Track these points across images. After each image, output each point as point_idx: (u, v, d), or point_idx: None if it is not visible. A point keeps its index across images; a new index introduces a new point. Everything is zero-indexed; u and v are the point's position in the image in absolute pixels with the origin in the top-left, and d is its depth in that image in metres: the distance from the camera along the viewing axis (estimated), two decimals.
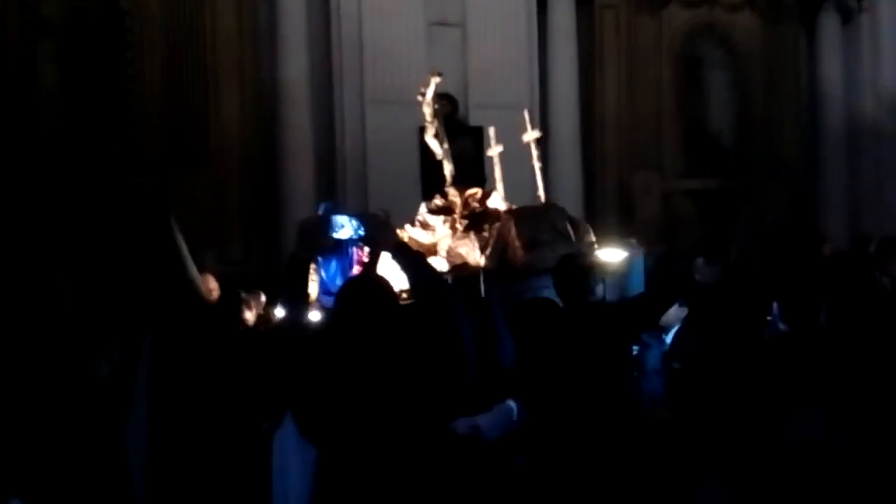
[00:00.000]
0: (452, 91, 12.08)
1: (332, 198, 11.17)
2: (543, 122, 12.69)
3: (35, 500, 3.95)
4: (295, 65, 11.61)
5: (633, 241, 8.05)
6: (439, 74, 8.73)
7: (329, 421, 2.89)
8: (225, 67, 11.64)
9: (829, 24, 14.22)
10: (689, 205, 13.71)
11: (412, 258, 3.29)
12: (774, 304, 4.15)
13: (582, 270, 3.89)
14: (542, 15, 12.68)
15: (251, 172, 11.81)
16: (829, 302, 3.27)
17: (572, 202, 12.67)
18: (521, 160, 12.25)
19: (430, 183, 9.64)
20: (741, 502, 3.40)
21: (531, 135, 9.18)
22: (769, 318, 4.11)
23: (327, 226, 7.75)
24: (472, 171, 10.83)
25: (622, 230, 12.96)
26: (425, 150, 10.97)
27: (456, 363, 2.98)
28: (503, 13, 12.23)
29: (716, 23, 13.98)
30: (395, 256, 3.32)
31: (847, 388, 2.97)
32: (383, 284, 3.14)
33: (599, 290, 3.89)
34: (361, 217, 7.75)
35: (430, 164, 10.31)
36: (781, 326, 4.06)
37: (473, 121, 11.93)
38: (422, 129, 11.75)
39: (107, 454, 4.05)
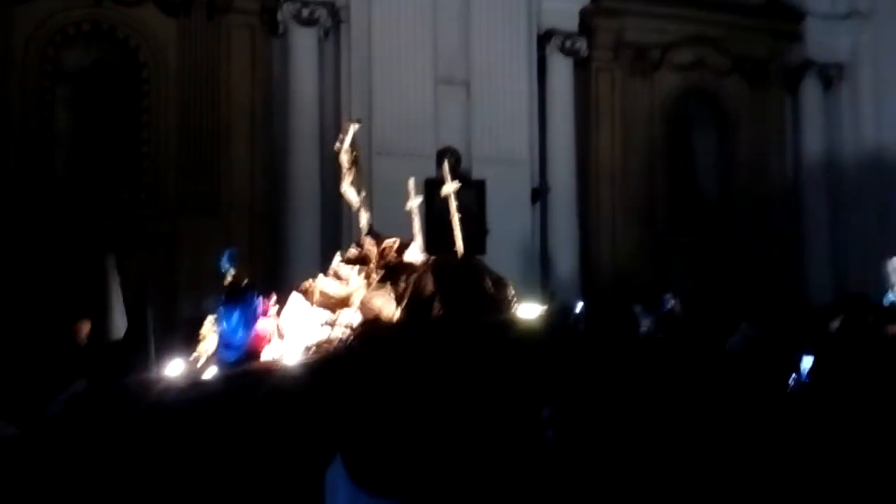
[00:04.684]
0: (456, 145, 12.54)
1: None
2: (542, 177, 13.19)
3: None
4: (305, 117, 11.99)
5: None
6: (358, 121, 8.33)
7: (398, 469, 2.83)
8: (237, 119, 12.02)
9: (812, 90, 14.98)
10: (678, 259, 14.14)
11: None
12: None
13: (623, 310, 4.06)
14: (542, 75, 13.29)
15: (259, 222, 12.08)
16: None
17: (569, 252, 13.14)
18: (523, 212, 12.76)
19: (433, 236, 9.81)
20: None
21: (449, 187, 8.89)
22: None
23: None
24: (475, 222, 11.15)
25: (614, 281, 13.41)
26: (431, 203, 11.24)
27: None
28: (505, 73, 12.79)
29: (705, 86, 14.65)
30: None
31: None
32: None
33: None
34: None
35: (434, 216, 10.59)
36: None
37: (476, 174, 12.36)
38: (427, 182, 12.11)
39: None
